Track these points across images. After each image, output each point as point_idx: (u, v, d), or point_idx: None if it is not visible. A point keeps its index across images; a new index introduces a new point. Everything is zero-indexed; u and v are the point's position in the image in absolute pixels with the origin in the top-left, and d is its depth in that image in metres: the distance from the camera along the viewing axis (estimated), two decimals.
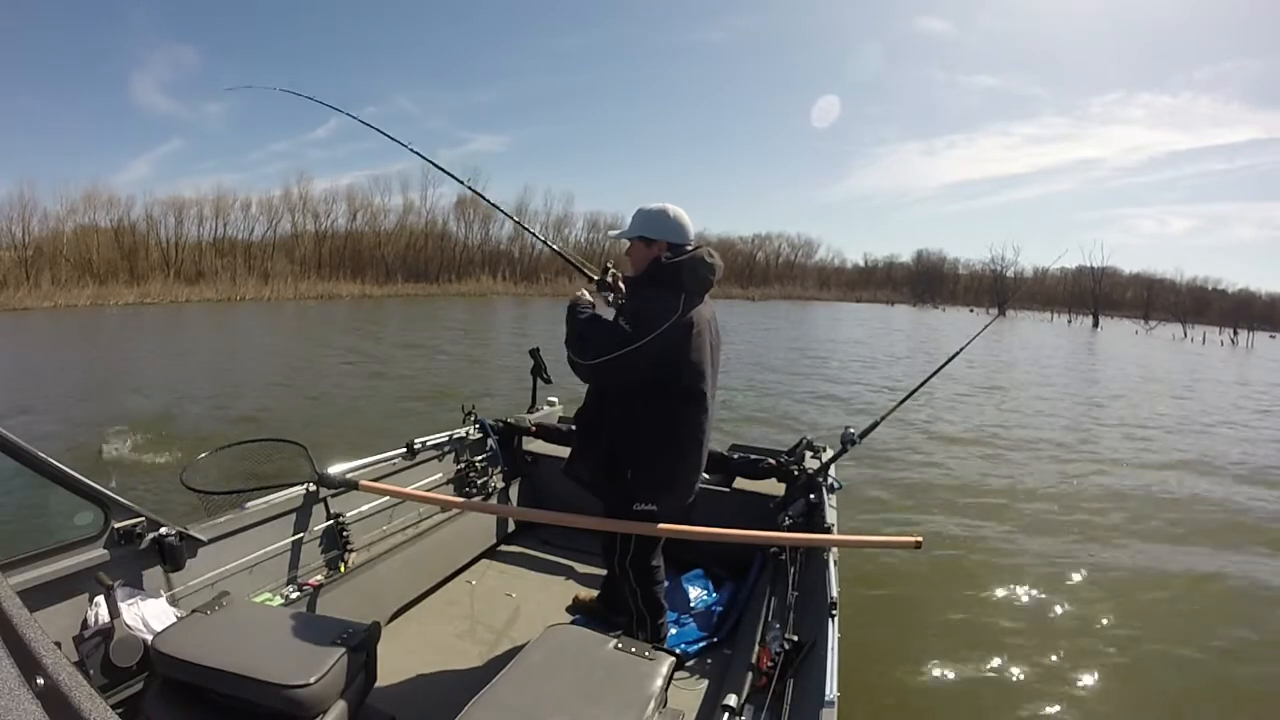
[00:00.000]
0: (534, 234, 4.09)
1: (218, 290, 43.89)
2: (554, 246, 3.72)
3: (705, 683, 2.79)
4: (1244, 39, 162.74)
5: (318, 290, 48.61)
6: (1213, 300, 79.04)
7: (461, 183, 3.87)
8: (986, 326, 4.32)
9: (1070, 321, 66.86)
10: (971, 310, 67.78)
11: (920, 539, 2.49)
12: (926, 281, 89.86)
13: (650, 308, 2.43)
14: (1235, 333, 52.60)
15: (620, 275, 2.86)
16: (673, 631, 3.13)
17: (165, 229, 49.97)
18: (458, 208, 62.49)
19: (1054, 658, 4.42)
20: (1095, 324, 62.77)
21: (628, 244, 2.67)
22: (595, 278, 2.82)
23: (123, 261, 44.53)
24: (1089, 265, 73.54)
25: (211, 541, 2.55)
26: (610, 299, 2.78)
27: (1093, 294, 72.51)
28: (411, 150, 3.73)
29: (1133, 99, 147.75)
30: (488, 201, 4.01)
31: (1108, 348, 35.99)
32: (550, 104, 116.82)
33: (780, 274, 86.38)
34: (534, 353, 4.29)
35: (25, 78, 68.56)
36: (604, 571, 3.61)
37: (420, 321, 29.65)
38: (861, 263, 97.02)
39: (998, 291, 76.75)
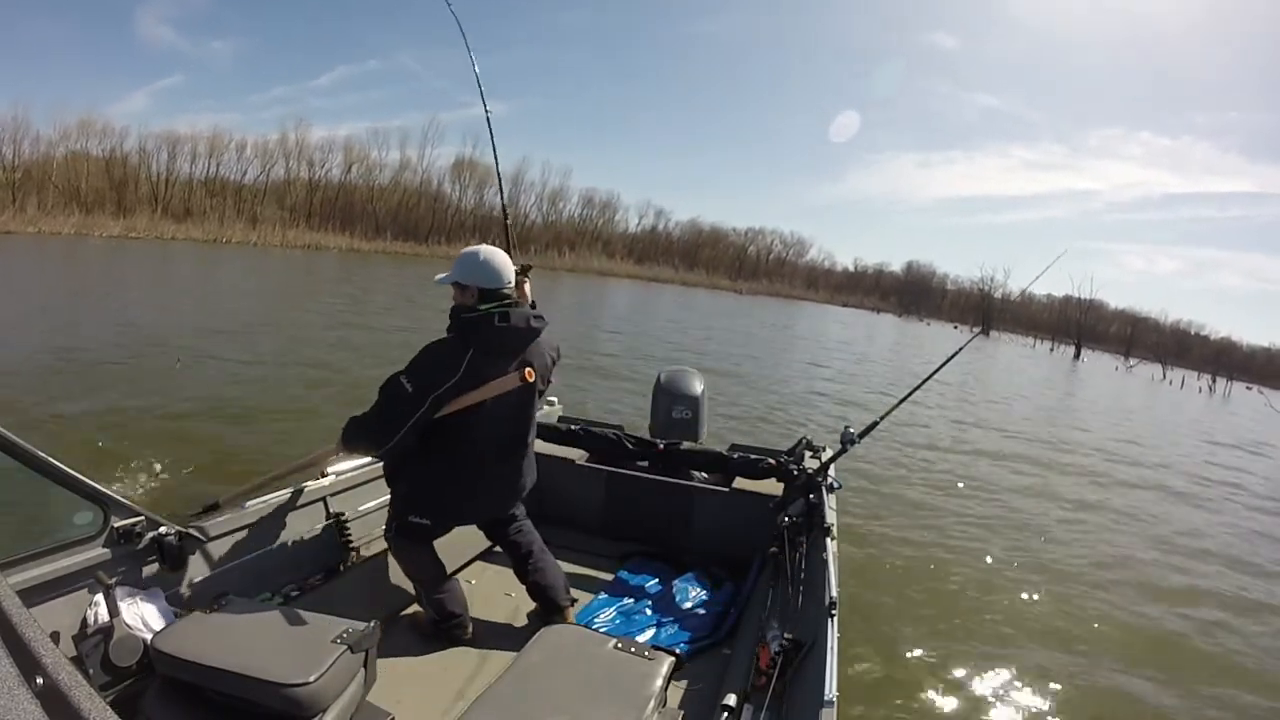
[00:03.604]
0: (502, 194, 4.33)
1: (205, 230, 43.24)
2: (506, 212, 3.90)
3: (705, 683, 2.76)
4: (1250, 91, 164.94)
5: (305, 239, 48.15)
6: (1194, 345, 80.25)
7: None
8: (972, 338, 4.59)
9: (1053, 349, 67.60)
10: (956, 327, 68.38)
11: None
12: (914, 293, 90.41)
13: (430, 368, 2.50)
14: (1214, 380, 53.39)
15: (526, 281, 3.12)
16: (672, 631, 3.14)
17: (157, 163, 49.42)
18: (454, 170, 62.08)
19: (1054, 658, 4.52)
20: (1077, 355, 63.32)
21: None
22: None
23: (111, 193, 43.85)
24: (1076, 295, 74.46)
25: (211, 541, 2.52)
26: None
27: (1077, 325, 73.17)
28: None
29: (1132, 136, 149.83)
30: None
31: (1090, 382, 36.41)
32: (552, 77, 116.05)
33: (770, 270, 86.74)
34: None
35: None
36: (602, 573, 3.61)
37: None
38: (851, 267, 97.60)
39: (984, 311, 77.20)
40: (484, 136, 3.99)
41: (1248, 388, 57.58)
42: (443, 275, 2.66)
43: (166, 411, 7.23)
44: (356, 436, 2.60)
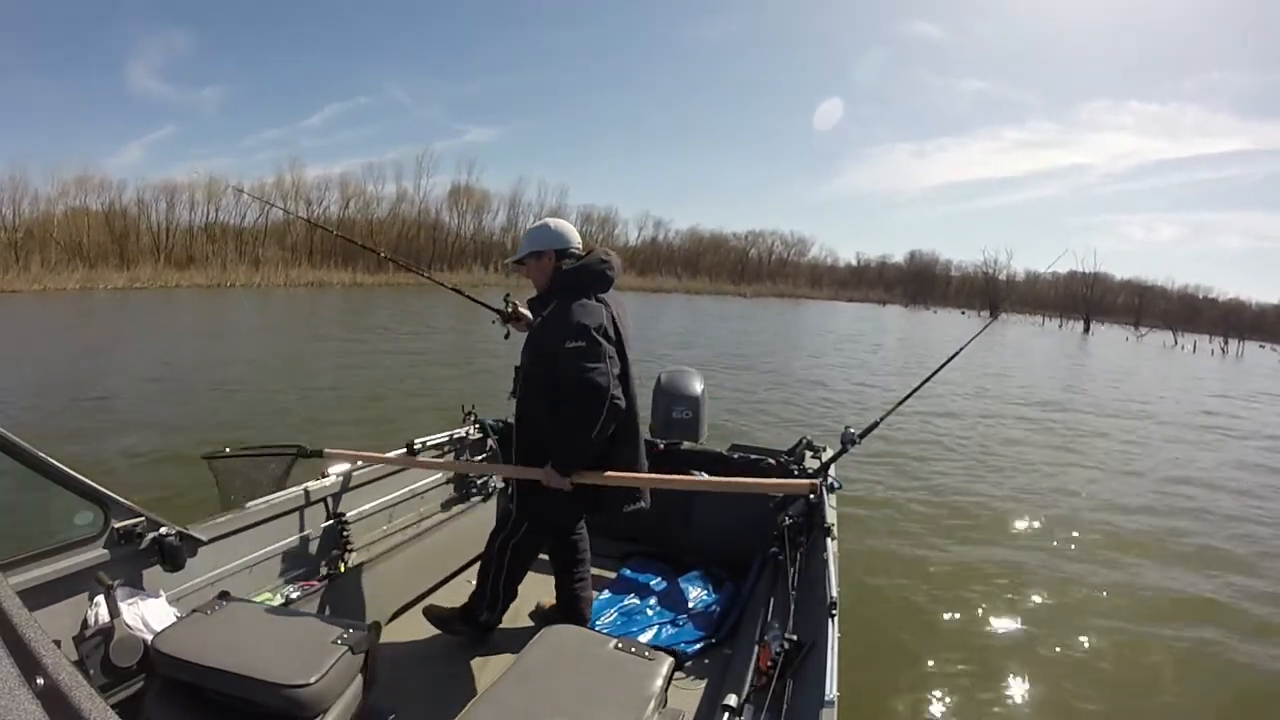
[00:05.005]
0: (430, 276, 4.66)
1: (208, 276, 43.47)
2: (448, 285, 4.07)
3: (705, 683, 2.79)
4: (1235, 50, 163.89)
5: (308, 278, 48.26)
6: (1203, 308, 79.00)
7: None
8: (983, 330, 4.40)
9: (1061, 326, 67.12)
10: (963, 313, 67.96)
11: (814, 483, 2.81)
12: (919, 282, 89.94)
13: (585, 318, 2.52)
14: (1225, 342, 52.86)
15: (518, 303, 3.09)
16: (672, 631, 3.17)
17: (157, 213, 49.88)
18: (450, 198, 62.41)
19: (1054, 659, 4.47)
20: (1086, 329, 62.79)
21: (523, 267, 2.80)
22: (501, 310, 3.14)
23: (113, 245, 44.19)
24: (1081, 270, 73.92)
25: (211, 541, 2.54)
26: (517, 325, 3.13)
27: (1084, 299, 72.57)
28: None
29: (1122, 106, 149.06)
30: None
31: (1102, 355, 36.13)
32: (543, 98, 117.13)
33: (773, 271, 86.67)
34: None
35: (22, 56, 68.34)
36: (603, 573, 3.63)
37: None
38: (854, 262, 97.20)
39: (990, 295, 76.73)
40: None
41: (1260, 346, 57.07)
42: (513, 257, 2.81)
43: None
44: (587, 391, 2.46)
